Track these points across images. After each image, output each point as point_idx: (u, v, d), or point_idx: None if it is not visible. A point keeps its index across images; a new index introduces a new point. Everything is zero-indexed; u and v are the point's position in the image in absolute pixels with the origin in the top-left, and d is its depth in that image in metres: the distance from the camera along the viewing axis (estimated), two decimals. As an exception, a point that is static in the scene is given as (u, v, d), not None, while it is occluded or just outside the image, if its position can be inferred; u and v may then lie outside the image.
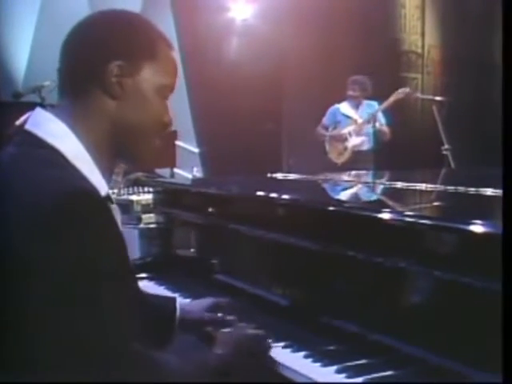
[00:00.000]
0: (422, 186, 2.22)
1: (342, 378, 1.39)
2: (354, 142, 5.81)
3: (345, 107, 5.93)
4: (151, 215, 2.68)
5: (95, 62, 1.27)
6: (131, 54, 1.29)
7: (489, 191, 1.88)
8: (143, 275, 2.29)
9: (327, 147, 5.96)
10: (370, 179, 3.20)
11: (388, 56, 7.70)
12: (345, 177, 3.13)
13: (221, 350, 1.39)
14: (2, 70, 7.62)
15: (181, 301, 1.73)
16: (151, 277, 2.30)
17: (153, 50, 1.32)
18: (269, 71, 7.09)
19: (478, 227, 1.25)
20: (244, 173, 5.83)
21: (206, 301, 1.75)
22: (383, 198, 2.35)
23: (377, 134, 5.76)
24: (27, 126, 1.25)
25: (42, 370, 1.06)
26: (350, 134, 5.83)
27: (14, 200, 1.10)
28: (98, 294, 1.09)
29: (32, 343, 1.05)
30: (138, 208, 2.82)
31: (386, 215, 1.51)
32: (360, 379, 1.37)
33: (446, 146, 5.08)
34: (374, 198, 2.45)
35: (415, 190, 2.23)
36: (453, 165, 5.00)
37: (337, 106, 5.95)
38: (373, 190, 2.54)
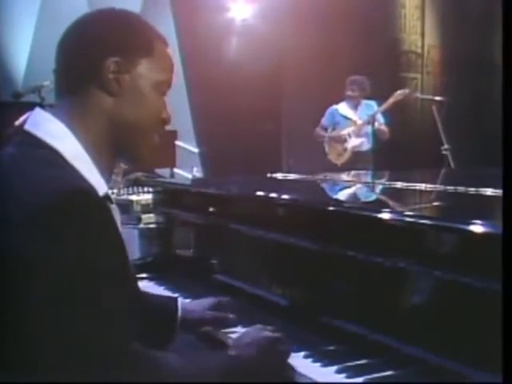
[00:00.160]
0: (422, 186, 2.22)
1: (341, 378, 1.38)
2: (353, 143, 5.80)
3: (343, 108, 5.91)
4: (151, 215, 2.68)
5: (92, 58, 1.27)
6: (127, 50, 1.29)
7: (489, 191, 1.88)
8: (143, 275, 2.29)
9: (326, 148, 5.95)
10: (369, 179, 3.21)
11: (388, 56, 7.71)
12: (344, 177, 3.13)
13: (235, 351, 1.37)
14: (1, 70, 7.63)
15: (182, 300, 1.73)
16: (151, 277, 2.30)
17: (149, 46, 1.31)
18: (268, 71, 7.10)
19: (477, 227, 1.25)
20: (244, 173, 5.84)
21: (208, 300, 1.75)
22: (383, 197, 2.36)
23: (376, 134, 5.77)
24: (26, 127, 1.25)
25: (42, 370, 1.06)
26: (349, 135, 5.81)
27: (13, 200, 1.10)
28: (97, 294, 1.09)
29: (32, 343, 1.05)
30: (137, 208, 2.82)
31: (385, 215, 1.51)
32: (360, 379, 1.37)
33: (446, 146, 5.08)
34: (373, 197, 2.45)
35: (415, 190, 2.23)
36: (452, 165, 5.00)
37: (335, 106, 5.94)
38: (373, 190, 2.54)
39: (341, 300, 1.61)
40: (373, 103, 5.84)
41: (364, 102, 5.87)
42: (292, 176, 2.91)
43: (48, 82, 4.69)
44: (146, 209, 2.77)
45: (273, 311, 1.78)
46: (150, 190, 2.85)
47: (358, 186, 2.67)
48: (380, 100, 5.77)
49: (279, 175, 2.94)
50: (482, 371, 1.22)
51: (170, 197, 2.56)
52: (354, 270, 1.56)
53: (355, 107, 5.88)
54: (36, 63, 7.40)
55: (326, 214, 1.70)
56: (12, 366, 1.08)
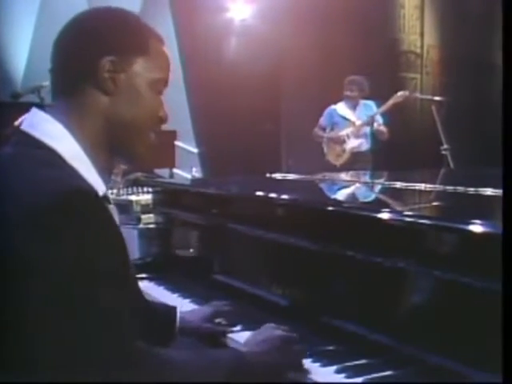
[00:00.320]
0: (422, 186, 2.22)
1: (341, 377, 1.38)
2: (352, 144, 5.79)
3: (342, 108, 5.89)
4: (150, 215, 2.68)
5: (87, 57, 1.27)
6: (123, 49, 1.29)
7: (489, 191, 1.88)
8: (143, 275, 2.29)
9: (325, 149, 5.93)
10: (369, 179, 3.20)
11: (387, 56, 7.71)
12: (344, 177, 3.13)
13: (246, 347, 1.37)
14: (1, 70, 7.62)
15: (181, 310, 1.71)
16: (151, 277, 2.30)
17: (144, 45, 1.31)
18: (267, 71, 7.10)
19: (477, 227, 1.25)
20: (243, 173, 5.84)
21: (206, 310, 1.74)
22: (382, 197, 2.36)
23: (375, 134, 5.76)
24: (23, 127, 1.25)
25: (42, 370, 1.06)
26: (348, 136, 5.79)
27: (12, 200, 1.10)
28: (96, 294, 1.09)
29: (32, 343, 1.05)
30: (137, 208, 2.83)
31: (385, 215, 1.51)
32: (360, 379, 1.36)
33: (445, 146, 5.08)
34: (373, 197, 2.45)
35: (414, 190, 2.23)
36: (452, 165, 5.00)
37: (333, 106, 5.91)
38: (372, 189, 2.54)
39: (340, 300, 1.61)
40: (371, 103, 5.82)
41: (362, 102, 5.85)
42: (291, 176, 2.91)
43: (47, 82, 4.67)
44: (146, 209, 2.78)
45: (272, 311, 1.78)
46: (150, 190, 2.85)
47: (358, 185, 2.67)
48: (379, 100, 5.76)
49: (278, 175, 2.94)
50: (482, 371, 1.22)
51: (170, 197, 2.56)
52: (354, 269, 1.56)
53: (354, 107, 5.86)
54: (35, 63, 7.39)
55: (325, 214, 1.70)
56: (12, 366, 1.08)
